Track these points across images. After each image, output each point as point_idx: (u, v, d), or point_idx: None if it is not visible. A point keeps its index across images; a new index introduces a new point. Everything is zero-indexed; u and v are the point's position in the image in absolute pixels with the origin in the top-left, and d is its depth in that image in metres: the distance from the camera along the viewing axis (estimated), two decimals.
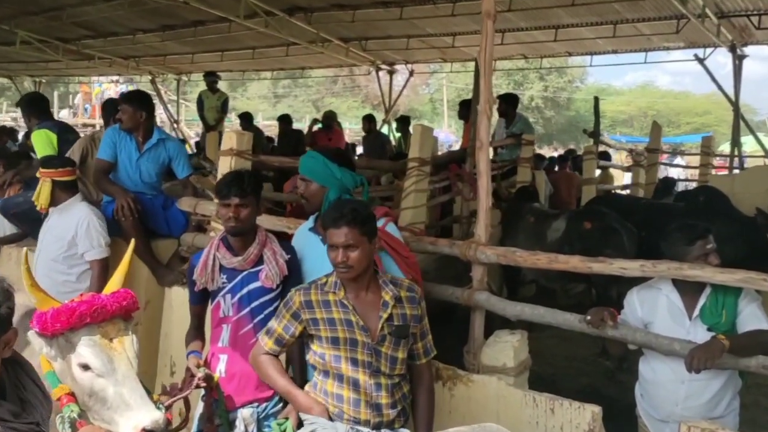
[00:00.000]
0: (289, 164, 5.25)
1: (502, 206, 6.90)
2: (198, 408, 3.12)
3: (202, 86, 11.99)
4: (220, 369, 3.06)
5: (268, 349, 2.81)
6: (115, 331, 2.38)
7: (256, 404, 3.05)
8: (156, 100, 18.42)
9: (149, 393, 2.44)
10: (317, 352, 2.73)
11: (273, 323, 2.81)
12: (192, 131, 19.28)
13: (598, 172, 9.96)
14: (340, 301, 2.69)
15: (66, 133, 5.34)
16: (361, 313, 2.68)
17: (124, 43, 13.25)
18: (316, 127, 10.58)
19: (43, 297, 2.35)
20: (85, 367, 2.30)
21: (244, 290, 3.09)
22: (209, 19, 10.91)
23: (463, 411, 3.14)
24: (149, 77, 16.42)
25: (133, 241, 2.74)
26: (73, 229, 4.15)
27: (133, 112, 4.53)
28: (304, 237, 3.28)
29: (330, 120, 10.44)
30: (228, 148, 4.30)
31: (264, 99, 42.63)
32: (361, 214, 2.66)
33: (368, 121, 11.18)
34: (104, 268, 4.16)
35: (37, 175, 4.20)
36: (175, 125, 16.57)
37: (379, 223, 3.16)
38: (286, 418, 2.80)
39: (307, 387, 2.83)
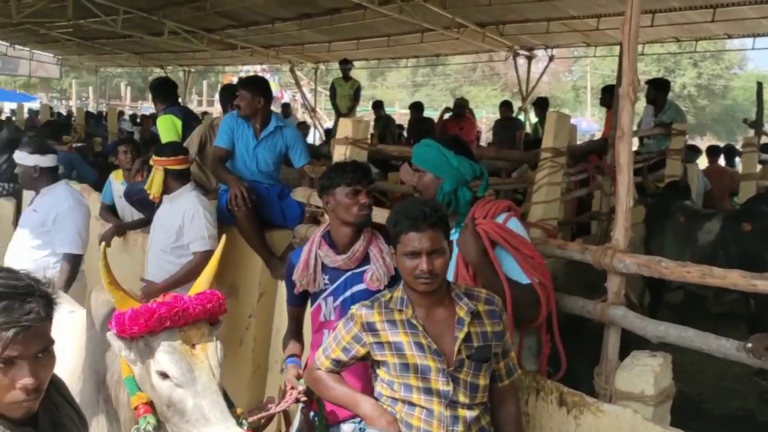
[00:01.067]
0: (409, 153, 4.94)
1: (648, 202, 6.26)
2: (296, 421, 2.90)
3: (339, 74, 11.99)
4: None
5: (324, 369, 2.48)
6: (198, 337, 2.17)
7: (358, 419, 2.77)
8: (294, 89, 18.88)
9: (232, 406, 2.22)
10: (384, 380, 2.36)
11: (330, 342, 2.48)
12: (331, 120, 19.55)
13: (759, 167, 8.93)
14: (407, 321, 2.31)
15: (191, 120, 5.35)
16: (433, 335, 2.29)
17: (263, 33, 13.55)
18: (447, 116, 10.23)
19: (122, 296, 2.17)
20: (164, 376, 2.10)
21: (348, 292, 2.82)
22: (345, 6, 10.91)
23: None
24: (288, 66, 16.73)
25: (223, 240, 2.51)
26: (180, 218, 4.08)
27: (251, 98, 4.39)
28: None
29: (461, 108, 10.04)
30: (343, 136, 4.06)
31: (403, 87, 42.80)
32: (443, 214, 2.33)
33: (505, 107, 10.69)
34: (203, 261, 3.95)
35: (150, 162, 4.16)
36: (312, 113, 16.80)
37: (500, 218, 2.81)
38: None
39: None
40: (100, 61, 22.90)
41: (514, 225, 2.85)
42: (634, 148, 7.03)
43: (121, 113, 16.81)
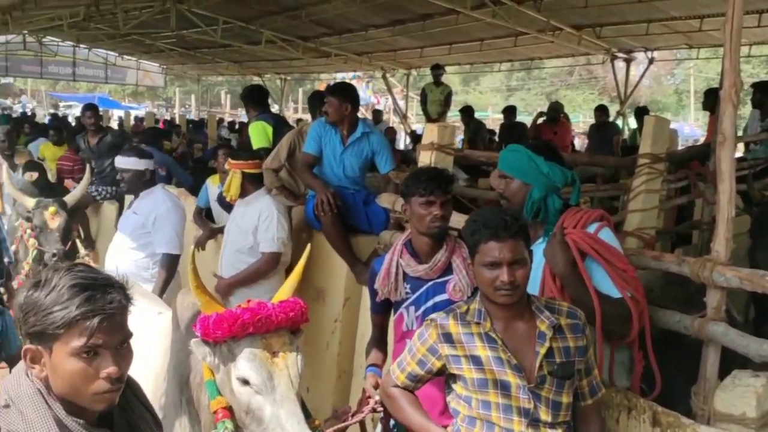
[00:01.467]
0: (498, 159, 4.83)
1: (754, 211, 5.88)
2: (377, 431, 2.87)
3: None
4: None
5: (399, 384, 2.41)
6: (279, 345, 2.18)
7: None
8: (386, 95, 18.98)
9: (309, 417, 2.23)
10: (461, 396, 2.27)
11: (405, 355, 2.40)
12: (422, 126, 19.53)
13: None
14: (486, 334, 2.22)
15: (282, 126, 5.44)
16: (513, 349, 2.19)
17: (357, 40, 13.68)
18: (540, 120, 9.99)
19: (207, 300, 2.21)
20: (244, 382, 2.12)
21: (430, 302, 2.78)
22: (437, 11, 10.86)
23: None
24: (381, 72, 16.84)
25: (307, 250, 2.50)
26: (255, 220, 4.17)
27: (338, 104, 4.42)
28: None
29: (555, 112, 9.77)
30: (429, 141, 4.00)
31: (497, 92, 42.28)
32: (524, 223, 2.24)
33: (600, 111, 10.36)
34: (270, 263, 4.17)
35: (226, 166, 4.25)
36: (403, 119, 16.83)
37: (592, 228, 2.67)
38: None
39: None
40: (202, 70, 23.78)
41: (606, 235, 2.71)
42: (739, 154, 6.66)
43: (221, 120, 17.37)
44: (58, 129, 9.46)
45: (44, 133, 9.91)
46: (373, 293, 2.91)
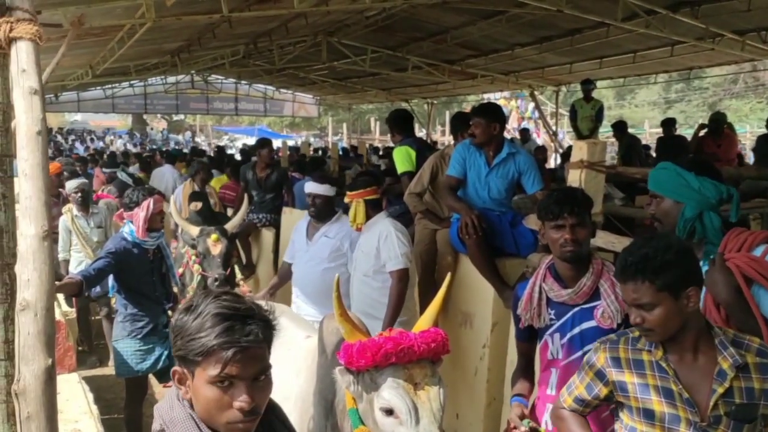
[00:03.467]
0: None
1: None
2: None
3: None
4: (546, 420, 2.65)
5: (567, 407, 2.29)
6: (422, 376, 2.15)
7: None
8: (534, 113, 18.64)
9: None
10: (627, 425, 2.13)
11: (574, 379, 2.28)
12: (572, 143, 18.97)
13: None
14: (656, 362, 2.06)
15: (425, 150, 5.47)
16: (685, 383, 2.01)
17: (503, 59, 13.57)
18: (702, 132, 9.35)
19: (350, 328, 2.22)
20: (388, 412, 2.10)
21: (576, 330, 2.65)
22: (586, 25, 10.55)
23: None
24: (528, 90, 16.57)
25: (448, 277, 2.44)
26: (376, 241, 4.20)
27: (486, 124, 4.36)
28: None
29: (718, 123, 9.09)
30: (578, 159, 3.84)
31: (654, 105, 40.28)
32: (655, 262, 1.97)
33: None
34: (402, 279, 4.17)
35: (346, 199, 4.31)
36: (553, 137, 16.43)
37: (759, 251, 2.43)
38: None
39: None
40: (352, 99, 24.57)
41: None
42: None
43: (371, 146, 17.84)
44: (219, 160, 10.11)
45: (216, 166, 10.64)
46: (517, 319, 2.82)
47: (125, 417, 4.59)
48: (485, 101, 12.98)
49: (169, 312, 4.73)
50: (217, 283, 5.13)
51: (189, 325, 1.50)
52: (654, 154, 10.19)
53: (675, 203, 2.56)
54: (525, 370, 2.88)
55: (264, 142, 7.79)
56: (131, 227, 4.45)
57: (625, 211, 5.25)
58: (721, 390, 1.97)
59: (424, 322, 2.29)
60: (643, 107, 39.72)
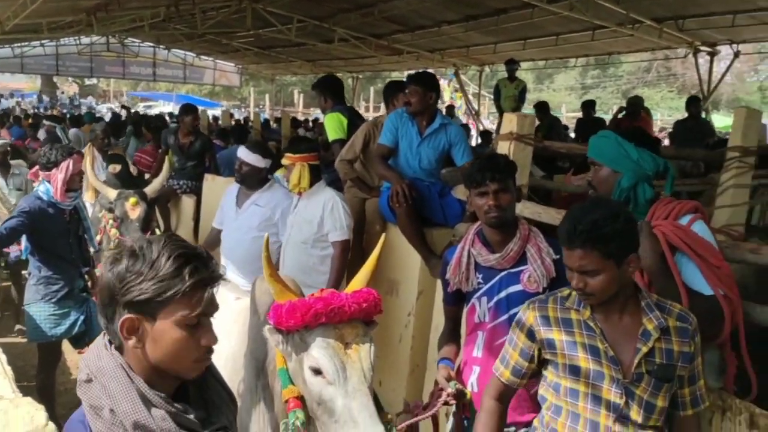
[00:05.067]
0: (578, 150, 4.68)
1: None
2: (449, 425, 2.80)
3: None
4: (471, 382, 2.69)
5: (505, 381, 2.29)
6: (353, 336, 2.14)
7: (513, 428, 2.62)
8: (457, 92, 18.88)
9: (381, 410, 2.17)
10: (551, 382, 2.18)
11: (507, 348, 2.30)
12: (493, 124, 19.30)
13: None
14: (584, 321, 2.12)
15: (356, 119, 5.42)
16: (611, 341, 2.08)
17: (429, 36, 13.61)
18: (621, 115, 9.67)
19: (280, 289, 2.19)
20: (316, 372, 2.09)
21: (503, 293, 2.68)
22: (512, 6, 10.72)
23: None
24: (453, 69, 16.70)
25: (382, 238, 2.45)
26: (320, 210, 4.18)
27: (423, 93, 4.35)
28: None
29: (635, 107, 9.44)
30: (507, 131, 3.90)
31: (571, 90, 41.46)
32: (604, 230, 1.98)
33: (692, 105, 9.85)
34: (345, 251, 4.20)
35: (285, 161, 4.24)
36: (475, 116, 16.66)
37: (684, 220, 2.53)
38: None
39: (535, 422, 2.32)
40: (276, 70, 24.15)
41: (700, 229, 2.56)
42: None
43: (294, 119, 17.60)
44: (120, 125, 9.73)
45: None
46: (445, 283, 2.84)
47: (37, 384, 4.39)
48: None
49: (86, 276, 4.55)
50: None
51: (146, 270, 1.44)
52: (573, 135, 10.47)
53: (612, 172, 2.62)
54: (451, 334, 2.92)
55: (188, 109, 7.53)
56: (47, 186, 4.23)
57: (544, 184, 5.35)
58: (645, 349, 2.05)
59: (357, 282, 2.28)
60: (561, 92, 40.82)
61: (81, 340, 4.46)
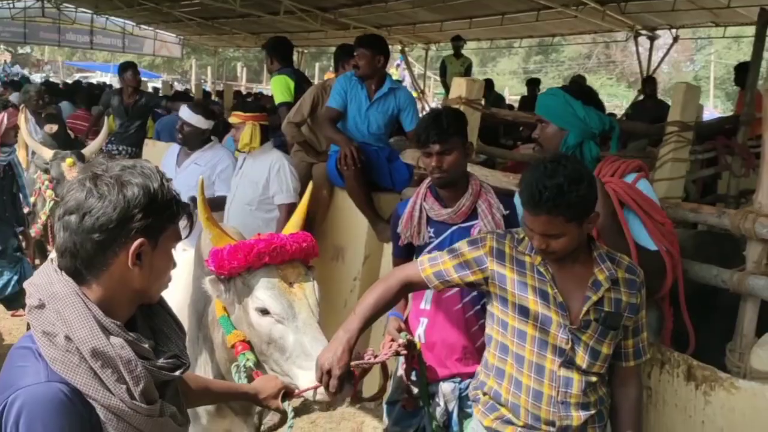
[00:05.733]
0: (523, 118, 4.73)
1: None
2: (396, 377, 2.81)
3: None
4: (419, 333, 2.71)
5: (422, 275, 2.25)
6: (295, 276, 2.17)
7: (458, 379, 2.65)
8: (405, 72, 18.88)
9: None
10: (498, 319, 2.20)
11: (443, 254, 2.28)
12: (437, 104, 19.37)
13: None
14: (536, 266, 2.13)
15: (303, 82, 5.36)
16: (561, 288, 2.10)
17: (376, 11, 13.50)
18: None
19: (218, 233, 2.18)
20: (264, 312, 2.09)
21: None
22: None
23: (721, 424, 2.46)
24: (399, 47, 16.64)
25: (310, 186, 2.50)
26: (266, 172, 4.15)
27: (371, 56, 4.32)
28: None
29: (578, 86, 9.59)
30: (456, 96, 3.90)
31: (513, 75, 41.91)
32: (569, 196, 1.94)
33: (648, 85, 9.97)
34: (290, 214, 4.07)
35: (233, 119, 4.18)
36: (421, 94, 16.66)
37: (629, 178, 2.59)
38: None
39: (478, 368, 2.36)
40: (219, 42, 23.60)
41: (644, 187, 2.64)
42: None
43: (238, 92, 17.29)
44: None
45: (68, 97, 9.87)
46: (396, 237, 2.82)
47: None
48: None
49: (20, 236, 4.39)
50: None
51: (159, 194, 1.43)
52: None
53: (559, 130, 2.64)
54: None
55: (127, 65, 7.30)
56: None
57: (495, 151, 5.39)
58: (594, 298, 2.08)
59: (292, 226, 2.32)
60: (504, 76, 41.19)
61: (15, 302, 4.30)
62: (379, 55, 4.31)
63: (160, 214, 1.44)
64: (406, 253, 2.85)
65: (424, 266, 2.28)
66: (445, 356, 2.65)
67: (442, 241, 2.70)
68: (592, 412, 2.13)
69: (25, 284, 1.45)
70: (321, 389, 2.00)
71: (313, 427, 4.15)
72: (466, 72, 10.82)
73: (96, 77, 30.67)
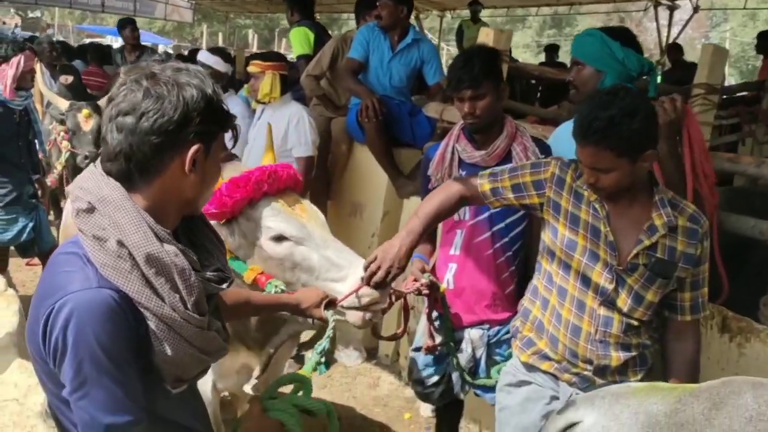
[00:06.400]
0: (550, 74, 4.63)
1: None
2: (420, 325, 2.76)
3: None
4: (447, 279, 2.63)
5: (479, 190, 2.24)
6: (293, 202, 2.17)
7: (487, 326, 2.60)
8: None
9: None
10: (547, 247, 2.16)
11: (504, 171, 2.25)
12: None
13: None
14: (592, 202, 2.05)
15: (323, 35, 5.25)
16: (614, 227, 2.02)
17: None
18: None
19: None
20: (280, 239, 2.06)
21: None
22: None
23: (755, 374, 2.40)
24: (414, 14, 16.40)
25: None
26: (285, 124, 4.07)
27: (393, 7, 4.21)
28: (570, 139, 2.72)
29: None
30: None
31: (527, 48, 41.50)
32: (619, 129, 1.86)
33: (675, 51, 9.77)
34: (308, 167, 4.13)
35: (252, 69, 4.09)
36: None
37: None
38: None
39: (524, 299, 2.31)
40: (231, 7, 23.35)
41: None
42: None
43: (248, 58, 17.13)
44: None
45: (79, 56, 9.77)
46: (426, 180, 2.74)
47: None
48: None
49: (36, 184, 4.33)
50: (87, 161, 4.73)
51: (213, 96, 1.37)
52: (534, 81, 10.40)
53: (596, 72, 2.54)
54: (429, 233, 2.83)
55: (125, 21, 7.21)
56: None
57: (523, 107, 5.29)
58: (647, 242, 2.00)
59: (267, 160, 2.36)
60: (518, 49, 40.78)
61: (29, 249, 4.27)
62: (401, 5, 4.20)
63: (215, 120, 1.38)
64: None
65: (483, 180, 2.25)
66: (474, 302, 2.59)
67: None
68: (633, 354, 2.07)
69: (72, 188, 1.37)
70: (365, 290, 1.97)
71: (329, 381, 4.12)
72: None
73: (107, 42, 30.52)
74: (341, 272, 2.00)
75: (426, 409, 3.74)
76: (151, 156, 1.32)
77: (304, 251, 2.04)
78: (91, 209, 1.32)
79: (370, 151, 4.27)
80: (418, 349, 2.74)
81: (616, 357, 2.05)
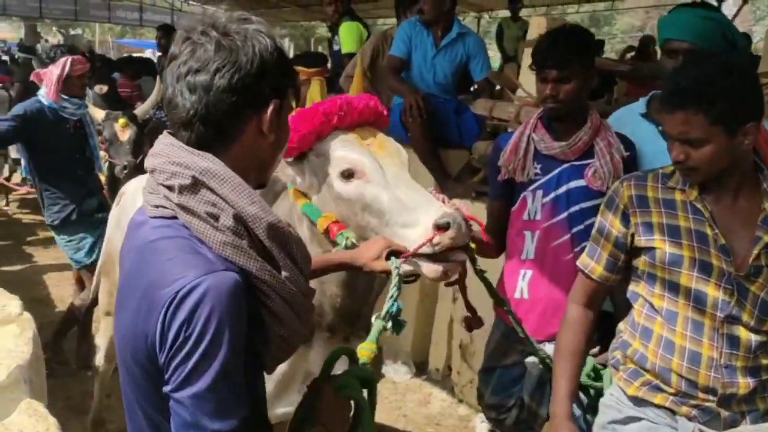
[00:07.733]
0: (612, 66, 4.35)
1: None
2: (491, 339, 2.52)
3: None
4: (521, 288, 2.38)
5: (596, 278, 1.91)
6: (371, 137, 1.87)
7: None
8: None
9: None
10: (644, 274, 1.83)
11: (597, 237, 1.92)
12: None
13: None
14: (691, 203, 1.75)
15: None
16: (723, 227, 1.71)
17: None
18: (629, 56, 9.32)
19: None
20: (348, 175, 1.79)
21: (562, 188, 2.35)
22: None
23: None
24: None
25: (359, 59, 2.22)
26: None
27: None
28: (633, 122, 2.44)
29: (646, 45, 9.10)
30: (535, 36, 3.55)
31: None
32: (711, 88, 1.59)
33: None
34: None
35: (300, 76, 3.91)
36: None
37: None
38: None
39: (621, 325, 1.96)
40: (267, 17, 23.43)
41: None
42: None
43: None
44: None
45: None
46: (495, 172, 2.49)
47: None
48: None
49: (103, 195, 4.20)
50: (126, 171, 4.61)
51: (281, 48, 1.23)
52: None
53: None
54: (494, 235, 2.56)
55: (166, 29, 7.09)
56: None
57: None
58: (766, 238, 1.70)
59: (356, 88, 2.14)
60: None
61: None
62: None
63: (287, 74, 1.25)
64: (504, 193, 2.51)
65: (590, 267, 1.93)
66: (551, 314, 2.32)
67: (549, 180, 2.37)
68: (764, 378, 1.75)
69: (167, 164, 1.19)
70: (439, 238, 1.62)
71: (377, 398, 3.89)
72: (525, 35, 10.34)
73: (146, 55, 30.94)
74: (413, 214, 1.69)
75: (483, 429, 3.49)
76: (228, 117, 1.19)
77: (373, 191, 1.76)
78: (195, 184, 1.16)
79: (415, 152, 4.05)
80: (489, 369, 2.51)
81: (745, 384, 1.73)
